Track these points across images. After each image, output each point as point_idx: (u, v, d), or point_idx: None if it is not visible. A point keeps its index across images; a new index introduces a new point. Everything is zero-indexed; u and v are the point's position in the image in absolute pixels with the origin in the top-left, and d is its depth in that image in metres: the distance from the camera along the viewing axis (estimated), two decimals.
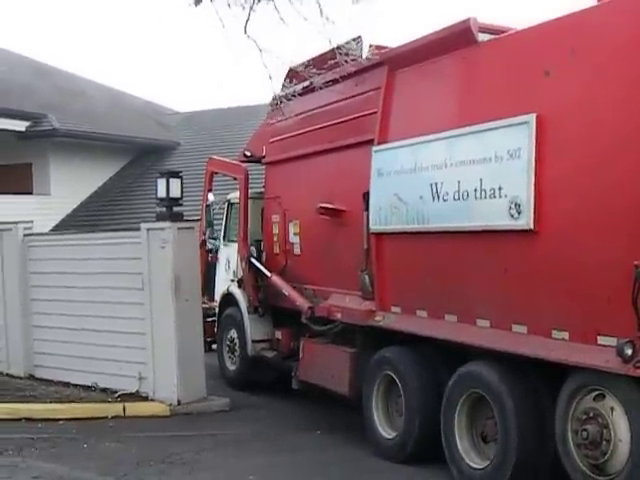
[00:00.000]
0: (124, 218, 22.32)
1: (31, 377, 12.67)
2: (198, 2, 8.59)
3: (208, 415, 10.79)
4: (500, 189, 7.07)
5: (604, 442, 6.32)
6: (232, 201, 13.18)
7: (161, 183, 11.36)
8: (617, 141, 6.20)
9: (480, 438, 7.54)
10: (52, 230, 21.49)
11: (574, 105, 6.60)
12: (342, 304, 9.58)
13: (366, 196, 8.87)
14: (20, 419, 10.44)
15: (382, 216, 8.64)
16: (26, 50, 36.12)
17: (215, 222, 13.82)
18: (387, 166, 8.59)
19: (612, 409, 6.28)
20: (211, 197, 13.78)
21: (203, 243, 13.34)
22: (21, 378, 12.62)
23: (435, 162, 7.88)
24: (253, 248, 11.98)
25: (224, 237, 13.42)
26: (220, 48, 10.19)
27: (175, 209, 11.33)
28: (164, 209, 11.34)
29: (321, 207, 9.78)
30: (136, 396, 11.09)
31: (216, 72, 13.61)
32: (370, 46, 9.72)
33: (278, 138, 11.47)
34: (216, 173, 13.94)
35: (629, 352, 5.94)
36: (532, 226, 6.78)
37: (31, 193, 24.15)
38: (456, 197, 7.58)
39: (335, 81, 9.63)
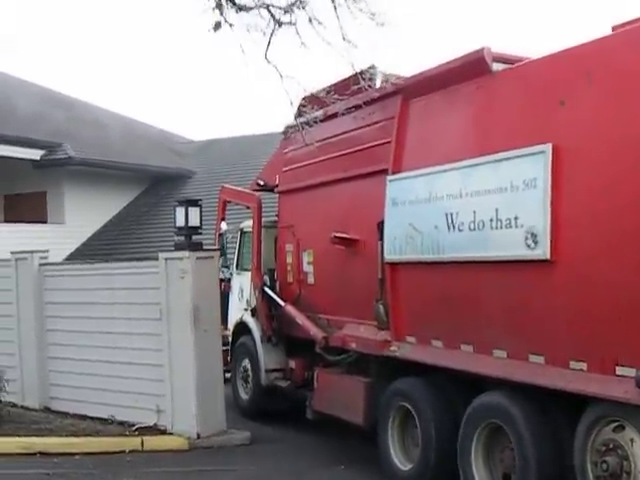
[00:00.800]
0: (139, 247, 22.35)
1: (46, 409, 12.43)
2: (217, 27, 8.47)
3: (228, 449, 10.58)
4: (516, 219, 7.05)
5: (624, 474, 6.24)
6: (245, 230, 13.17)
7: (180, 211, 11.19)
8: (633, 171, 6.17)
9: (498, 470, 7.44)
10: (66, 259, 21.55)
11: (590, 134, 6.59)
12: (357, 334, 9.54)
13: (380, 225, 8.85)
14: (35, 453, 10.14)
15: (397, 246, 8.61)
16: (41, 79, 36.50)
17: (227, 251, 13.79)
18: (402, 196, 8.58)
19: (632, 440, 6.21)
20: (224, 226, 13.75)
21: None
22: (36, 410, 12.37)
23: (450, 192, 7.87)
24: (267, 277, 11.93)
25: (237, 266, 13.41)
26: (236, 76, 10.15)
27: (194, 238, 11.21)
28: (183, 238, 11.22)
29: (335, 236, 9.75)
30: (154, 429, 10.86)
31: (232, 100, 13.60)
32: (384, 75, 9.72)
33: (291, 167, 11.46)
34: (229, 202, 13.98)
35: None
36: (549, 256, 6.74)
37: (45, 222, 24.23)
38: (472, 227, 7.56)
39: (349, 110, 9.64)
